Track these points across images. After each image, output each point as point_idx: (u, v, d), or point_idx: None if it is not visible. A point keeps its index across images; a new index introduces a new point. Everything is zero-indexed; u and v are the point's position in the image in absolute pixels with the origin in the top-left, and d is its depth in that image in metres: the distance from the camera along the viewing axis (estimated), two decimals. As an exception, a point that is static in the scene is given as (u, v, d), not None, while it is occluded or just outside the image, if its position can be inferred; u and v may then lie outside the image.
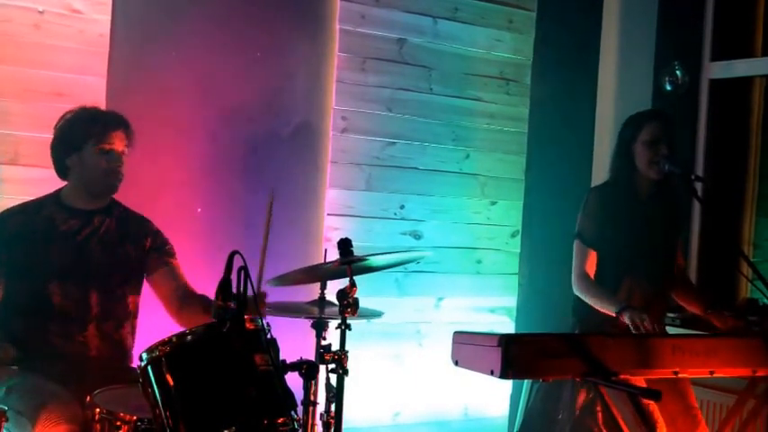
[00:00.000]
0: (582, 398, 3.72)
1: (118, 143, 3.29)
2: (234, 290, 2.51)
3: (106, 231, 3.33)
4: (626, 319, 3.42)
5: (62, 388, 2.99)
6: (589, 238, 3.71)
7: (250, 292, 2.50)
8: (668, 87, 4.94)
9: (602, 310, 3.58)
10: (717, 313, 3.78)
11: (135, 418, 2.64)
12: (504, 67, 5.00)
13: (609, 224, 3.71)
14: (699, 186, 3.69)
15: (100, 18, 3.87)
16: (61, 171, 3.33)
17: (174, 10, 3.93)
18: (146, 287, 3.45)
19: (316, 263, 3.75)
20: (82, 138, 3.27)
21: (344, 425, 3.05)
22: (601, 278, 3.69)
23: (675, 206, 3.89)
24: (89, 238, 3.30)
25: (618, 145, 3.82)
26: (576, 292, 3.69)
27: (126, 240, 3.37)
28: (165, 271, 3.41)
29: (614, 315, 3.49)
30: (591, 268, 3.69)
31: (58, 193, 3.36)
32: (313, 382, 2.89)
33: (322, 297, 3.51)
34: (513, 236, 5.06)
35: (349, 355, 3.02)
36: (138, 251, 3.40)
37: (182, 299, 3.37)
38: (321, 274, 3.39)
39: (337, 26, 4.44)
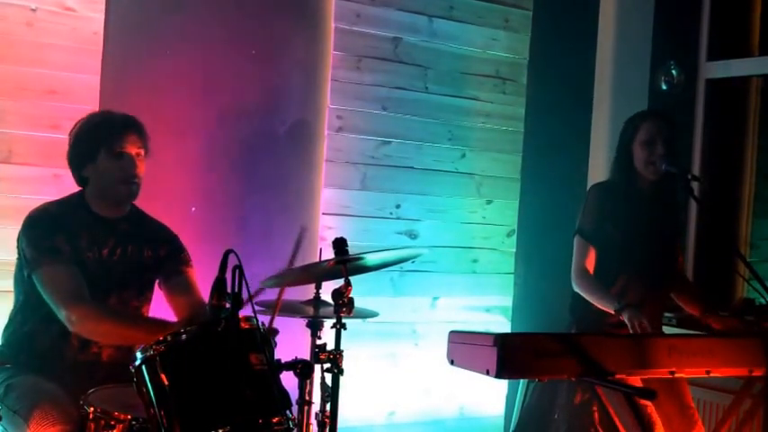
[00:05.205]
0: (578, 398, 3.72)
1: (130, 146, 3.16)
2: (228, 289, 2.50)
3: (128, 242, 3.23)
4: (625, 318, 3.42)
5: (59, 388, 2.96)
6: (589, 233, 3.71)
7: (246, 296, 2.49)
8: (664, 87, 4.93)
9: (600, 308, 3.58)
10: (714, 315, 3.78)
11: (129, 416, 2.62)
12: (500, 67, 4.99)
13: (608, 220, 3.71)
14: (696, 186, 3.68)
15: (93, 16, 3.86)
16: (81, 181, 3.24)
17: (168, 8, 3.92)
18: (158, 294, 3.36)
19: (311, 262, 3.73)
20: (94, 146, 3.16)
21: (339, 424, 3.03)
22: (596, 274, 3.69)
23: (675, 207, 3.90)
24: (114, 250, 3.20)
25: (618, 145, 3.82)
26: (576, 288, 3.68)
27: (143, 250, 3.28)
28: (176, 280, 3.31)
29: (613, 312, 3.48)
30: (591, 264, 3.68)
31: (81, 195, 3.24)
32: (308, 381, 2.88)
33: (317, 296, 3.50)
34: (508, 235, 5.05)
35: (344, 354, 3.00)
36: (153, 260, 3.30)
37: (192, 312, 3.23)
38: (316, 273, 3.37)
39: (332, 24, 4.43)
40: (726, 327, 3.69)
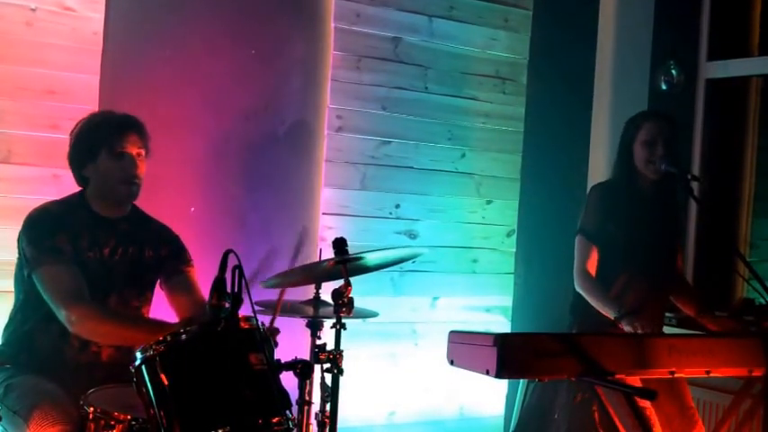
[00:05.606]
0: (578, 398, 3.72)
1: (130, 146, 3.16)
2: (228, 289, 2.50)
3: (129, 242, 3.22)
4: (624, 327, 3.42)
5: (59, 388, 2.96)
6: (591, 233, 3.71)
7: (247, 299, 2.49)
8: (664, 87, 4.93)
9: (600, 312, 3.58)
10: (709, 316, 3.78)
11: (129, 417, 2.62)
12: (500, 66, 4.99)
13: (609, 220, 3.71)
14: (695, 186, 3.68)
15: (93, 16, 3.86)
16: (81, 181, 3.23)
17: (168, 7, 3.90)
18: (159, 295, 3.35)
19: (311, 262, 3.73)
20: (95, 146, 3.15)
21: (339, 424, 3.03)
22: (599, 273, 3.68)
23: (676, 208, 3.90)
24: (114, 250, 3.19)
25: (619, 145, 3.83)
26: (578, 289, 3.68)
27: (144, 250, 3.26)
28: (177, 280, 3.30)
29: (612, 320, 3.48)
30: (593, 265, 3.68)
31: (82, 195, 3.23)
32: (308, 381, 2.88)
33: (317, 296, 3.49)
34: (508, 235, 5.05)
35: (344, 354, 3.00)
36: (154, 260, 3.29)
37: (193, 312, 3.21)
38: (316, 273, 3.37)
39: (332, 24, 4.43)
40: (721, 328, 3.70)
